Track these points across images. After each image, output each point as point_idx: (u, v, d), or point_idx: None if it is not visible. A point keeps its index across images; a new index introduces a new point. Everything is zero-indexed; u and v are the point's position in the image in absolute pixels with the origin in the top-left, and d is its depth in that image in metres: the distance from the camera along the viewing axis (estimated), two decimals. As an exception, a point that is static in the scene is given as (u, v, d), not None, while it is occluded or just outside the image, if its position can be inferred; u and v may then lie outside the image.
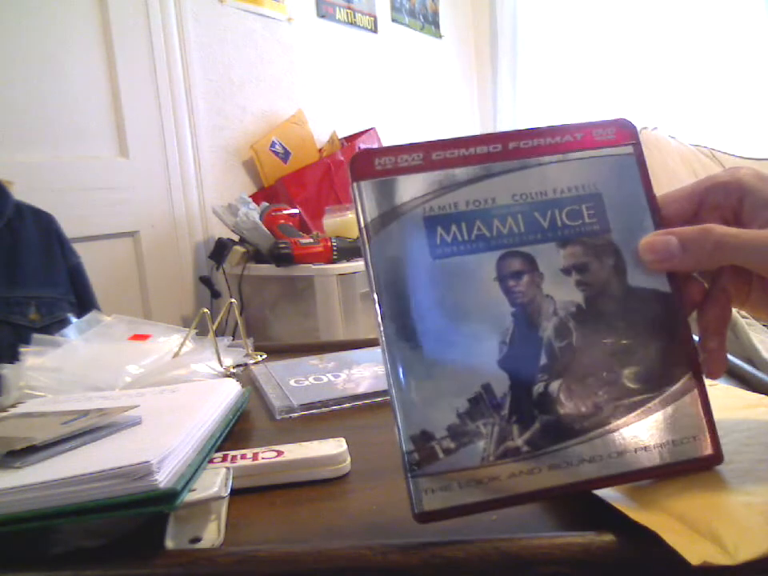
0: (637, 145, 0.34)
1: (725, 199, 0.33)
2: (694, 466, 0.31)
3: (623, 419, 0.31)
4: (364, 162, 0.31)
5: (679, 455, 0.31)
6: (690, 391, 0.31)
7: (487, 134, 0.33)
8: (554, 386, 0.31)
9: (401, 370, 0.30)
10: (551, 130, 0.33)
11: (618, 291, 0.32)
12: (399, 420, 0.29)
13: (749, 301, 0.36)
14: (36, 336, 0.68)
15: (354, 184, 0.31)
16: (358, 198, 0.31)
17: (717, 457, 0.31)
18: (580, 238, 0.32)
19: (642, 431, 0.31)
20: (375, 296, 0.30)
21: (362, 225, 0.31)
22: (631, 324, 0.32)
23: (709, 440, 0.31)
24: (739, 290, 0.35)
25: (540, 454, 0.30)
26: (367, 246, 0.31)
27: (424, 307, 0.30)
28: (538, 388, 0.30)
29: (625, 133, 0.34)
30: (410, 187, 0.31)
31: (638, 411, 0.31)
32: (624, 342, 0.31)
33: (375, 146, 2.27)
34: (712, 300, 0.34)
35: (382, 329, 0.30)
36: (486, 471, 0.29)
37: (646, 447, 0.30)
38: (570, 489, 0.30)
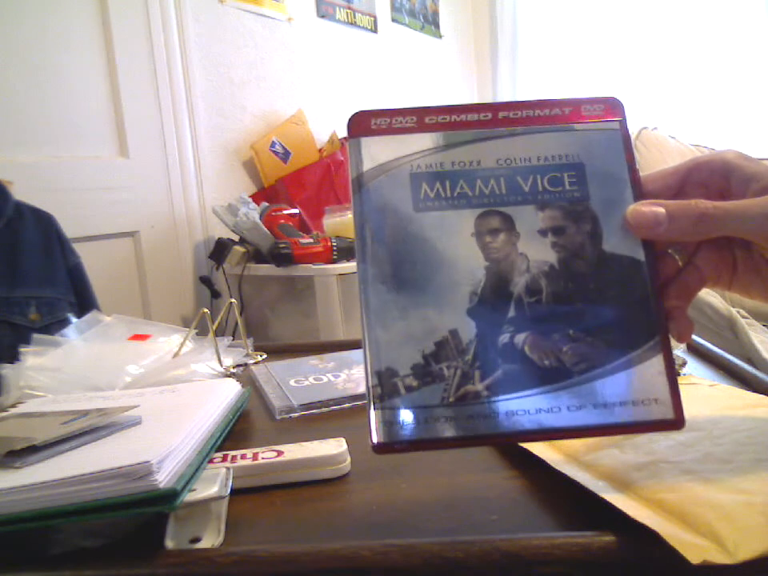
0: (623, 122, 0.35)
1: (709, 177, 0.34)
2: (653, 427, 0.31)
3: (585, 375, 0.31)
4: (362, 120, 0.34)
5: (639, 415, 0.31)
6: (655, 355, 0.32)
7: (479, 103, 0.35)
8: (520, 337, 0.32)
9: (374, 311, 0.31)
10: (540, 103, 0.35)
11: (591, 255, 0.33)
12: (367, 357, 0.31)
13: (735, 281, 0.36)
14: (36, 336, 0.68)
15: (351, 140, 0.34)
16: (352, 153, 0.34)
17: (678, 421, 0.31)
18: (559, 203, 0.33)
19: (602, 388, 0.31)
20: (358, 241, 0.32)
21: (353, 177, 0.33)
22: (602, 286, 0.32)
23: (671, 404, 0.31)
24: (722, 270, 0.35)
25: (499, 400, 0.31)
26: (355, 196, 0.33)
27: (402, 255, 0.32)
28: (503, 338, 0.32)
29: (613, 110, 0.35)
30: (401, 146, 0.34)
31: (601, 369, 0.31)
32: (593, 302, 0.32)
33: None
34: (683, 276, 0.34)
35: (361, 272, 0.32)
36: (444, 411, 0.30)
37: (605, 404, 0.31)
38: (525, 436, 0.31)
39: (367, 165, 0.33)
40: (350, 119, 0.34)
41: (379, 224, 0.33)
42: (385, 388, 0.30)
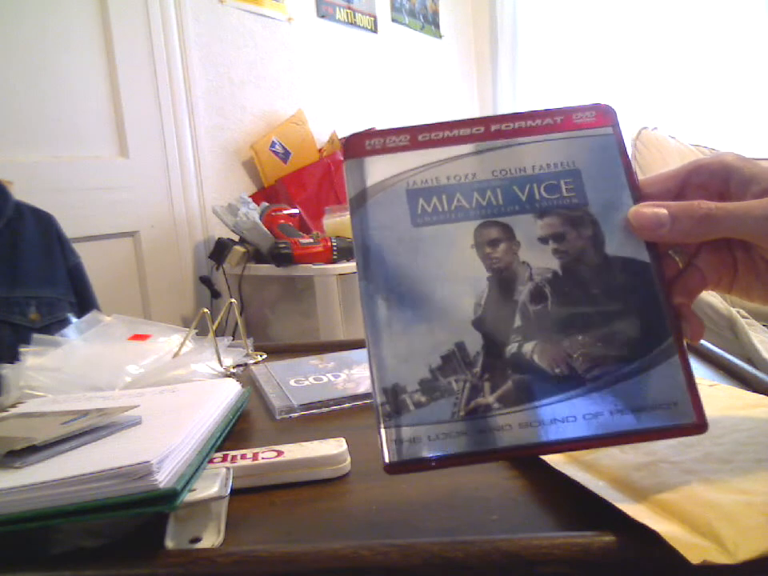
0: (616, 127, 0.35)
1: (709, 180, 0.34)
2: (675, 433, 0.30)
3: (599, 382, 0.30)
4: (356, 143, 0.35)
5: (659, 421, 0.30)
6: (670, 357, 0.31)
7: (470, 118, 0.35)
8: (528, 346, 0.31)
9: (378, 327, 0.31)
10: (531, 114, 0.35)
11: (595, 259, 0.33)
12: (373, 373, 0.30)
13: (736, 283, 0.36)
14: (36, 336, 0.68)
15: (347, 162, 0.34)
16: (348, 174, 0.34)
17: (701, 425, 0.30)
18: (557, 210, 0.33)
19: (618, 394, 0.30)
20: (359, 259, 0.32)
21: (351, 197, 0.34)
22: (608, 290, 0.32)
23: (692, 407, 0.30)
24: (723, 273, 0.35)
25: (511, 412, 0.30)
26: (354, 216, 0.33)
27: (403, 270, 0.32)
28: (511, 348, 0.31)
29: (605, 116, 0.35)
30: (396, 164, 0.34)
31: (615, 375, 0.31)
32: (601, 306, 0.32)
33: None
34: (684, 277, 0.34)
35: (362, 289, 0.32)
36: (455, 426, 0.30)
37: (622, 410, 0.30)
38: (542, 449, 0.30)
39: (364, 184, 0.34)
40: (344, 142, 0.35)
41: (379, 241, 0.33)
42: (393, 405, 0.30)
